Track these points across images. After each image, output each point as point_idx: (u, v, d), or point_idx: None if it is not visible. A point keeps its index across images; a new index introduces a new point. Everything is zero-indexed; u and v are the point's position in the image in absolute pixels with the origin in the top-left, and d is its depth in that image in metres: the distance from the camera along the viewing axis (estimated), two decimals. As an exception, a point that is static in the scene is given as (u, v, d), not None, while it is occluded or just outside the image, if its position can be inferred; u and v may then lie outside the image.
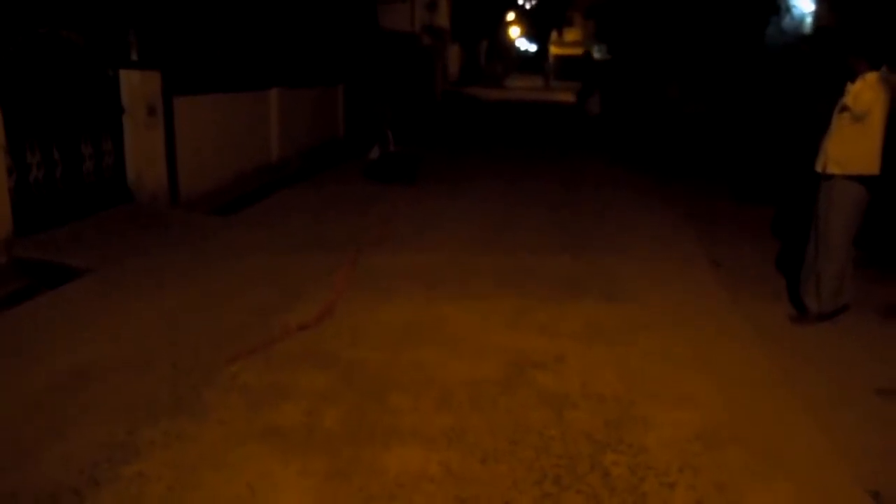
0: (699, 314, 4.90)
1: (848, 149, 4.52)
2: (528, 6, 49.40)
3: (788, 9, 12.96)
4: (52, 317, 4.59)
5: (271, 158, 10.53)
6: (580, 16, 47.31)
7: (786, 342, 4.48)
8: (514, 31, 51.78)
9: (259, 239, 6.68)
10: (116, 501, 2.73)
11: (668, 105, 17.57)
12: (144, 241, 6.29)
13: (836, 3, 11.21)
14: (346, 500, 2.77)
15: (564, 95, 31.89)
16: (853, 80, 4.51)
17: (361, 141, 12.07)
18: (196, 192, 8.11)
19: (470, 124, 19.48)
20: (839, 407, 3.64)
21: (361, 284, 5.33)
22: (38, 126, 6.00)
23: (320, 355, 4.06)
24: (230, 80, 9.26)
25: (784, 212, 7.40)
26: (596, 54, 30.60)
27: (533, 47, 58.83)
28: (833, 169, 4.58)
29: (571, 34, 51.33)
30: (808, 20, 12.34)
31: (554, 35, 51.66)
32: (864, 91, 4.42)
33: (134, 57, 7.31)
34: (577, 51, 39.62)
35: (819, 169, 4.67)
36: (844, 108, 4.51)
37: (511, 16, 48.09)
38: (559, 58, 51.12)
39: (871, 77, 4.44)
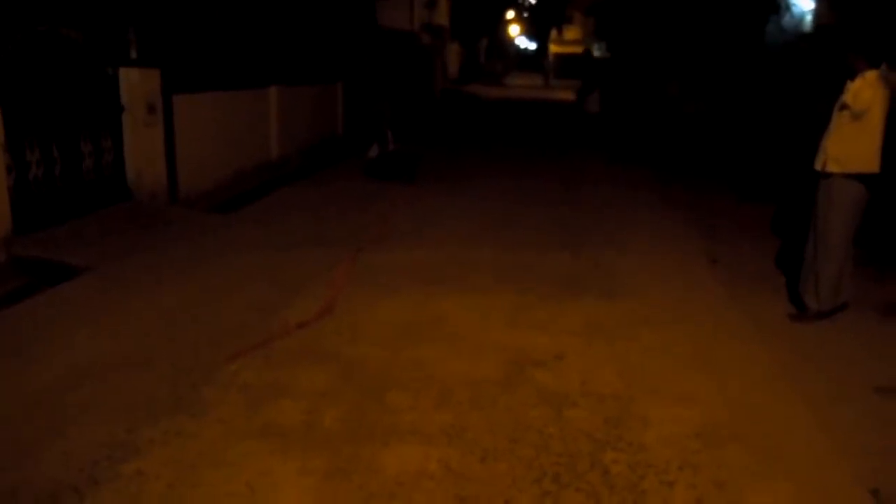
0: (699, 311, 4.90)
1: (847, 147, 4.51)
2: (527, 4, 49.35)
3: (788, 7, 12.95)
4: (52, 315, 4.58)
5: (271, 156, 10.52)
6: (580, 14, 47.21)
7: (785, 340, 4.48)
8: (514, 30, 51.78)
9: (258, 236, 6.68)
10: (116, 499, 2.73)
11: (667, 103, 17.57)
12: (144, 239, 6.29)
13: (836, 2, 11.20)
14: (346, 498, 2.77)
15: (564, 94, 31.87)
16: (853, 79, 4.51)
17: (361, 139, 12.07)
18: (196, 190, 8.11)
19: (469, 123, 19.47)
20: (838, 405, 3.64)
21: (361, 282, 5.33)
22: (38, 124, 5.99)
23: (320, 353, 4.06)
24: (230, 77, 9.25)
25: (783, 210, 7.40)
26: (596, 52, 30.58)
27: (532, 45, 58.78)
28: (832, 167, 4.58)
29: (571, 32, 51.27)
30: (808, 18, 12.34)
31: (553, 33, 51.58)
32: (864, 89, 4.41)
33: (133, 55, 7.30)
34: (577, 49, 39.55)
35: (818, 167, 4.67)
36: (844, 107, 4.51)
37: (511, 14, 48.08)
38: (559, 56, 51.07)
39: (870, 75, 4.44)
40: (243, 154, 9.56)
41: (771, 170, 9.25)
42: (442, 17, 30.73)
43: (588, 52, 20.59)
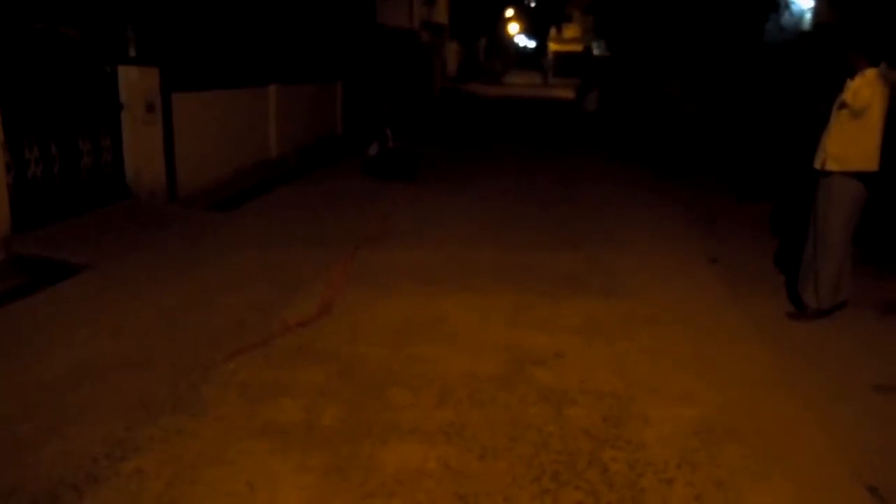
0: (698, 310, 4.90)
1: (847, 145, 4.51)
2: (527, 3, 49.32)
3: (788, 5, 12.95)
4: (51, 313, 4.58)
5: (270, 155, 10.52)
6: (579, 12, 47.22)
7: (784, 339, 4.48)
8: (513, 28, 51.77)
9: (258, 235, 6.68)
10: (116, 498, 2.73)
11: (667, 102, 17.57)
12: (143, 238, 6.29)
13: (835, 0, 11.20)
14: (345, 496, 2.77)
15: (563, 92, 31.87)
16: (852, 77, 4.50)
17: (360, 138, 12.07)
18: (195, 189, 8.10)
19: (469, 121, 19.46)
20: (837, 403, 3.64)
21: (360, 280, 5.33)
22: (37, 122, 5.99)
23: (319, 352, 4.06)
24: (229, 76, 9.25)
25: (783, 209, 7.40)
26: (595, 51, 30.59)
27: (532, 44, 58.79)
28: (832, 166, 4.57)
29: (570, 30, 51.28)
30: (808, 17, 12.34)
31: (553, 31, 51.62)
32: (863, 87, 4.41)
33: (132, 53, 7.30)
34: (577, 47, 39.57)
35: (818, 166, 4.66)
36: (843, 105, 4.50)
37: (510, 12, 48.05)
38: (558, 54, 51.10)
39: (870, 73, 4.44)
40: (242, 152, 9.55)
41: (770, 169, 9.25)
42: (441, 16, 30.73)
43: (588, 50, 20.61)
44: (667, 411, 3.46)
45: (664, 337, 4.40)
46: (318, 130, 12.76)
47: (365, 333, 4.34)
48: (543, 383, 3.73)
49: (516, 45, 58.90)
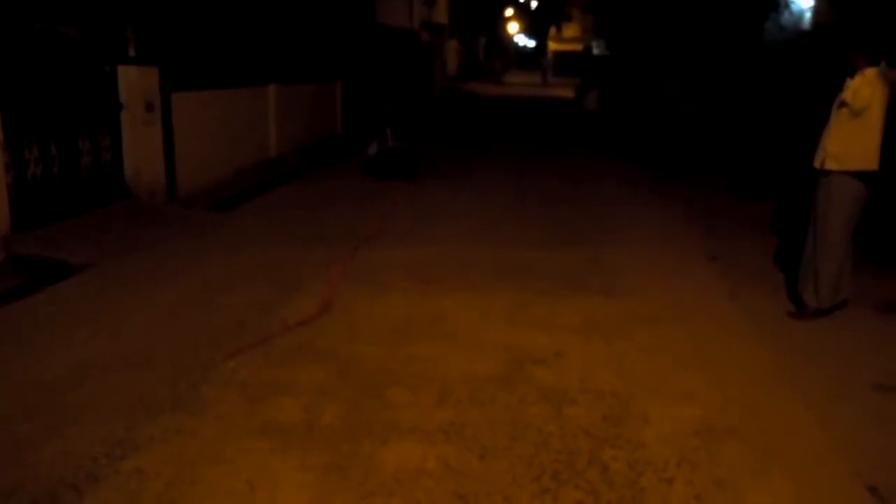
0: (698, 309, 4.90)
1: (846, 145, 4.51)
2: (526, 2, 49.30)
3: (787, 5, 12.95)
4: (51, 313, 4.58)
5: (270, 154, 10.51)
6: (579, 11, 47.23)
7: (784, 338, 4.48)
8: (513, 27, 51.73)
9: (257, 235, 6.68)
10: (116, 497, 2.73)
11: (667, 101, 17.56)
12: (142, 237, 6.29)
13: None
14: (345, 495, 2.77)
15: (563, 91, 31.87)
16: (852, 76, 4.50)
17: (360, 137, 12.06)
18: (194, 188, 8.10)
19: (468, 120, 19.46)
20: (837, 402, 3.64)
21: (360, 279, 5.33)
22: (36, 122, 5.99)
23: (319, 351, 4.06)
24: (228, 76, 9.25)
25: (783, 208, 7.40)
26: (595, 50, 30.60)
27: (531, 43, 58.77)
28: (831, 165, 4.57)
29: (570, 30, 51.28)
30: (807, 16, 12.33)
31: (553, 31, 51.60)
32: (863, 87, 4.41)
33: (132, 53, 7.29)
34: (576, 47, 39.57)
35: (817, 165, 4.66)
36: (843, 104, 4.50)
37: (510, 11, 48.02)
38: (558, 53, 51.10)
39: (869, 73, 4.44)
40: (242, 152, 9.55)
41: (770, 168, 9.25)
42: (441, 15, 30.72)
43: (588, 49, 20.60)
44: (667, 410, 3.46)
45: (664, 336, 4.40)
46: (317, 130, 12.75)
47: (365, 332, 4.34)
48: (543, 382, 3.73)
49: (516, 45, 58.88)
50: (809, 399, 3.65)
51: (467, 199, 8.49)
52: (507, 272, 5.62)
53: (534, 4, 49.25)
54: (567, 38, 50.67)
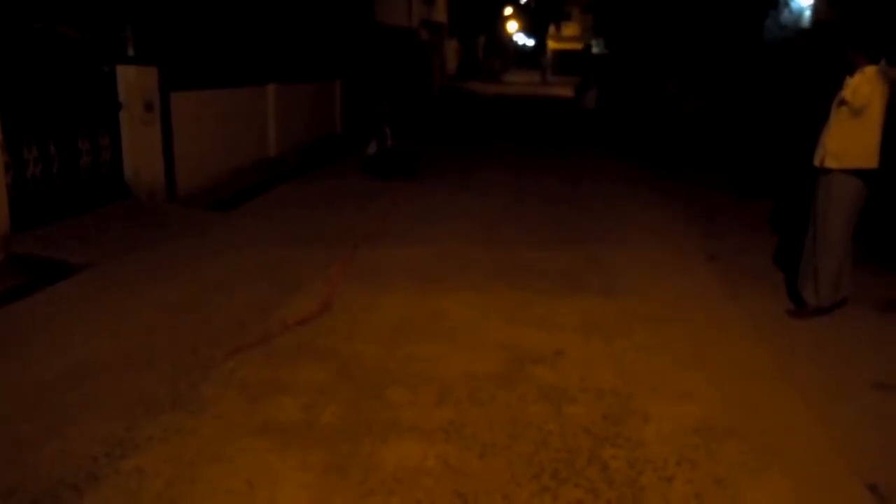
0: (698, 308, 4.91)
1: (846, 143, 4.51)
2: (525, 1, 49.27)
3: (787, 3, 12.94)
4: (51, 313, 4.58)
5: (269, 153, 10.51)
6: (579, 10, 47.20)
7: (784, 336, 4.49)
8: (512, 26, 51.68)
9: (257, 234, 6.68)
10: (115, 496, 2.73)
11: (666, 100, 17.55)
12: (142, 237, 6.28)
13: (835, -3, 11.19)
14: (345, 494, 2.77)
15: (562, 90, 31.87)
16: (852, 74, 4.50)
17: (359, 136, 12.06)
18: (194, 188, 8.10)
19: (468, 119, 19.46)
20: (837, 401, 3.64)
21: (360, 279, 5.33)
22: (35, 122, 5.98)
23: (318, 350, 4.06)
24: (227, 75, 9.24)
25: (782, 206, 7.40)
26: (594, 49, 30.59)
27: (531, 42, 58.73)
28: (831, 163, 4.57)
29: (569, 29, 51.26)
30: (807, 14, 12.32)
31: (552, 30, 51.55)
32: (863, 85, 4.41)
33: (131, 52, 7.28)
34: (575, 45, 39.55)
35: (817, 163, 4.66)
36: (843, 102, 4.50)
37: (509, 10, 47.99)
38: (557, 52, 51.10)
39: (869, 71, 4.43)
40: (241, 151, 9.55)
41: (770, 166, 9.25)
42: (440, 14, 30.71)
43: (587, 48, 20.60)
44: (666, 409, 3.46)
45: (663, 334, 4.40)
46: (317, 129, 12.75)
47: (365, 332, 4.34)
48: (543, 381, 3.73)
49: (515, 44, 58.84)
50: (809, 398, 3.65)
51: (467, 198, 8.50)
52: (506, 271, 5.62)
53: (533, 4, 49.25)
54: (566, 37, 50.64)
